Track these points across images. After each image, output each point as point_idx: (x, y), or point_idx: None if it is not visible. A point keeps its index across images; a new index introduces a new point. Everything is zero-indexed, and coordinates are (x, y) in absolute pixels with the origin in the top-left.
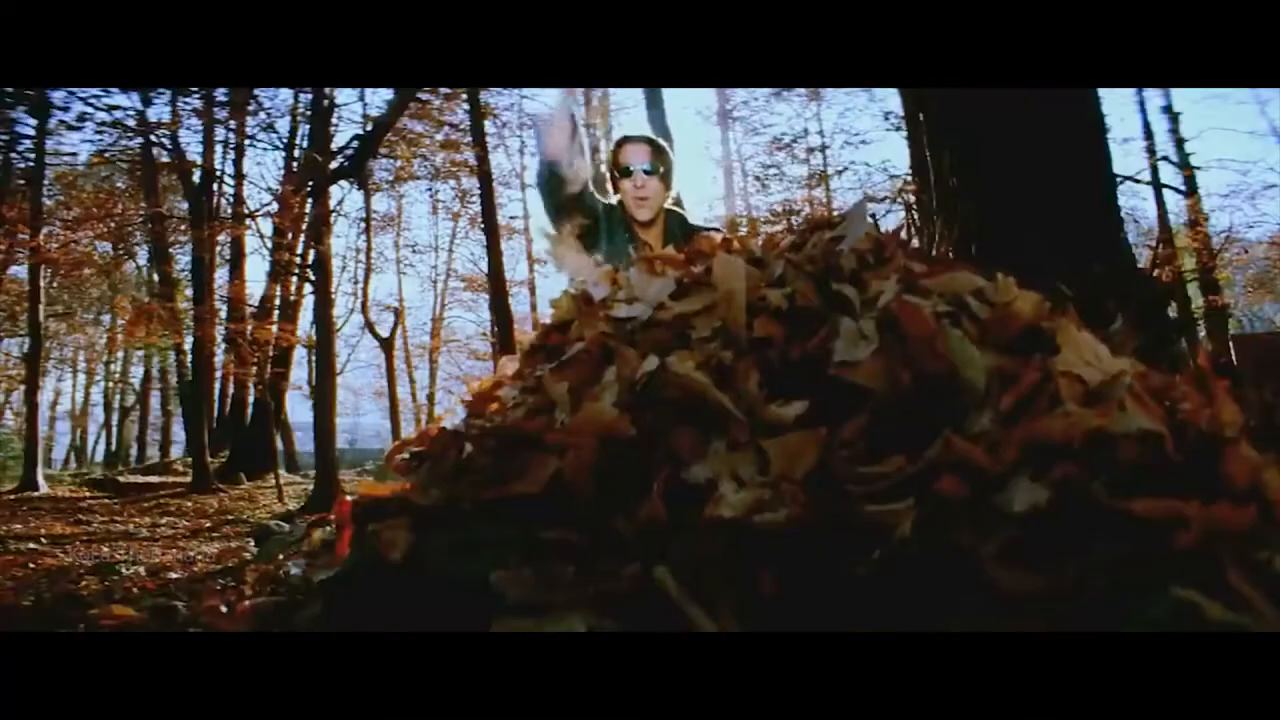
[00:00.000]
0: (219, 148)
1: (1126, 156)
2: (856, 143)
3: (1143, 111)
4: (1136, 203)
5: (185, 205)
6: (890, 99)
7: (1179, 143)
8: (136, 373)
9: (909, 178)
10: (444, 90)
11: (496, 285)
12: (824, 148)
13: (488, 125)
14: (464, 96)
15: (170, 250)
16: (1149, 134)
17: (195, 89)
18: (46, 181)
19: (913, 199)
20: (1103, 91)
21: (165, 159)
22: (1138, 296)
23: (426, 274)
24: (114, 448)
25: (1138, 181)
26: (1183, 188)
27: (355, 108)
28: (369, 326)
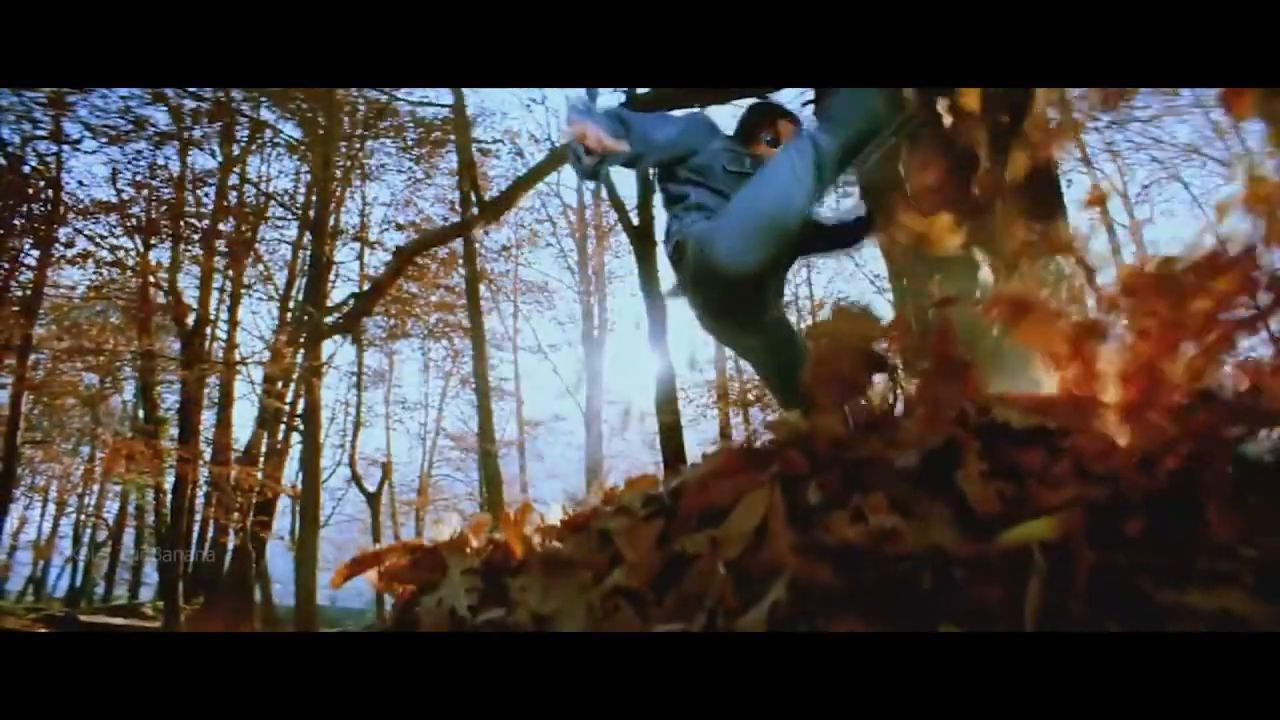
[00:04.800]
0: (215, 294)
1: None
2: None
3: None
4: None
5: (177, 345)
6: (875, 261)
7: None
8: (111, 508)
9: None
10: (441, 254)
11: (485, 445)
12: (814, 312)
13: (482, 289)
14: (460, 262)
15: (158, 389)
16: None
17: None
18: (40, 311)
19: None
20: None
21: (161, 300)
22: None
23: (415, 430)
24: (78, 583)
25: None
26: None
27: (353, 266)
28: (356, 480)
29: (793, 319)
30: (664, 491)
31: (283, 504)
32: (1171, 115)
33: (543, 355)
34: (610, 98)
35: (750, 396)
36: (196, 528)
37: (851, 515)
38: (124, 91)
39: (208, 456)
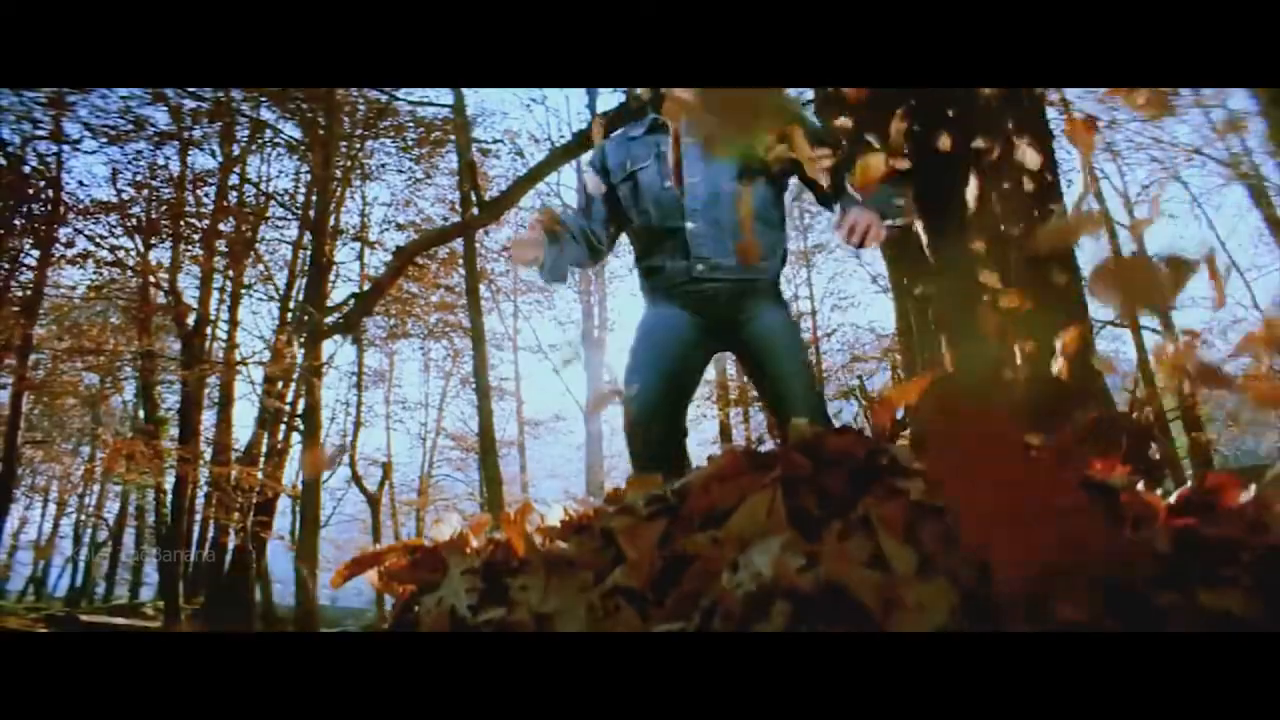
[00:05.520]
0: (215, 293)
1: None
2: (846, 305)
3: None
4: (1117, 345)
5: (177, 345)
6: (878, 262)
7: None
8: (112, 508)
9: (895, 337)
10: (441, 254)
11: (486, 445)
12: (814, 311)
13: (482, 289)
14: (460, 261)
15: (158, 389)
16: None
17: (196, 238)
18: (41, 311)
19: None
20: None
21: (161, 300)
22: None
23: (415, 430)
24: (79, 583)
25: (1117, 325)
26: (1159, 327)
27: (353, 266)
28: (356, 480)
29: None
30: (668, 491)
31: (283, 504)
32: (1171, 115)
33: (542, 355)
34: (610, 98)
35: (752, 394)
36: (196, 528)
37: (855, 523)
38: (124, 91)
39: (208, 456)
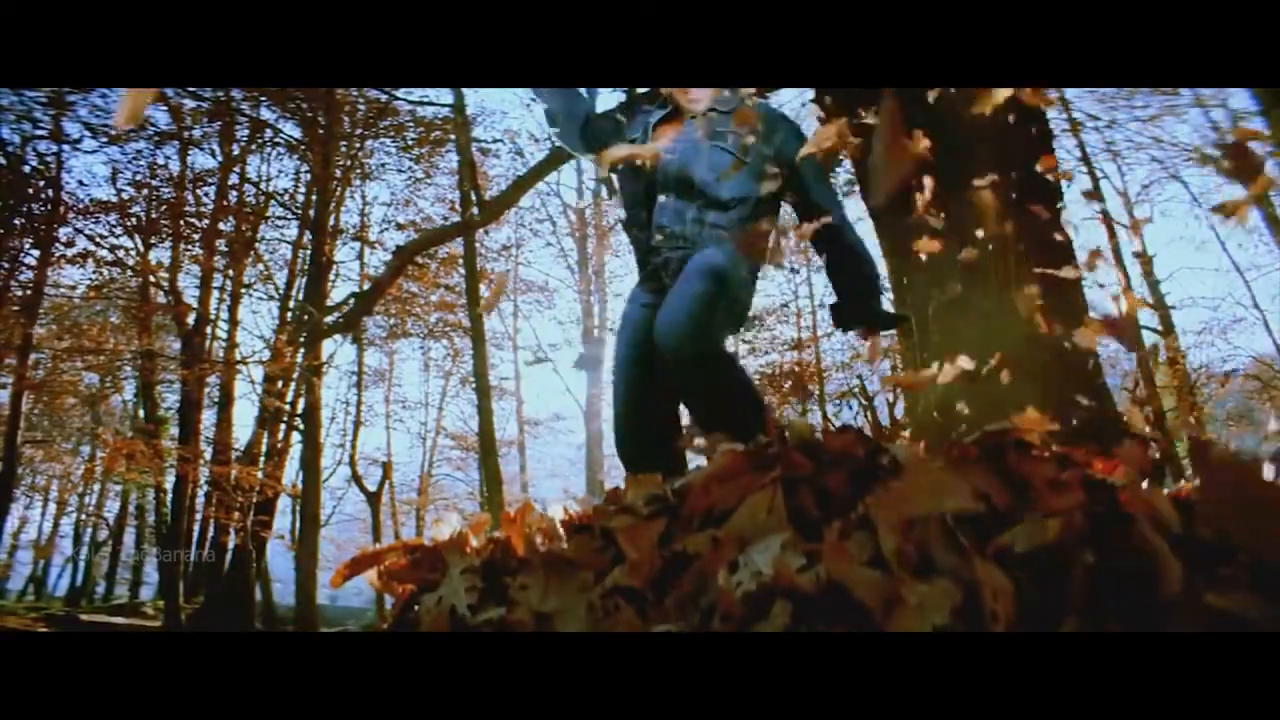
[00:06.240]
0: (215, 293)
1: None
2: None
3: (1118, 255)
4: (1116, 347)
5: (177, 345)
6: (877, 262)
7: (1153, 284)
8: (112, 507)
9: (895, 336)
10: (441, 254)
11: (486, 445)
12: (814, 310)
13: (482, 289)
14: (460, 261)
15: (158, 388)
16: (1124, 276)
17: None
18: (41, 311)
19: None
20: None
21: (162, 299)
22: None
23: (416, 430)
24: (79, 583)
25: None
26: (1159, 327)
27: (353, 266)
28: (356, 480)
29: (791, 318)
30: (668, 491)
31: (283, 504)
32: (1171, 115)
33: (543, 354)
34: (610, 98)
35: None
36: (197, 527)
37: (855, 523)
38: (124, 91)
39: (208, 456)
